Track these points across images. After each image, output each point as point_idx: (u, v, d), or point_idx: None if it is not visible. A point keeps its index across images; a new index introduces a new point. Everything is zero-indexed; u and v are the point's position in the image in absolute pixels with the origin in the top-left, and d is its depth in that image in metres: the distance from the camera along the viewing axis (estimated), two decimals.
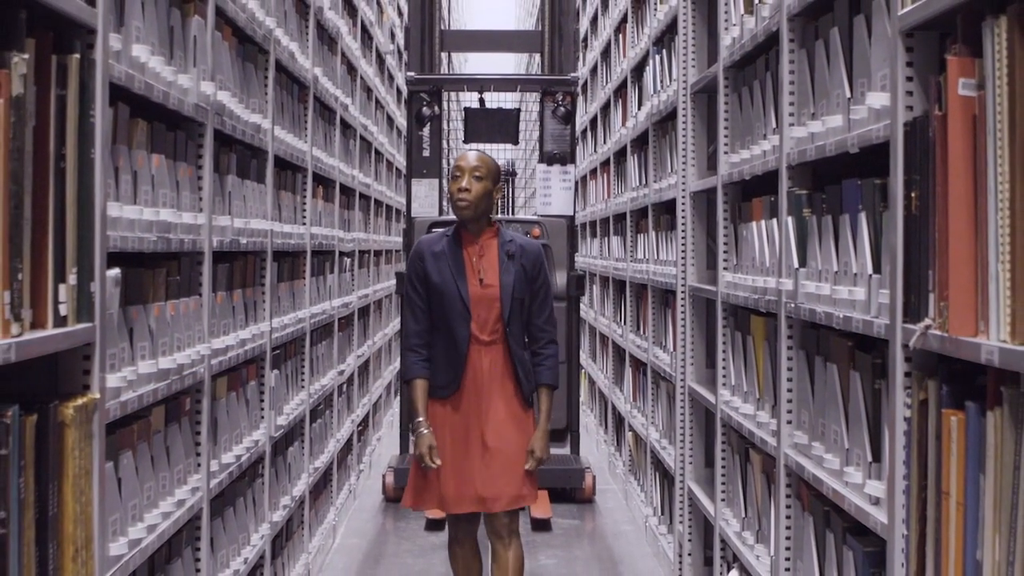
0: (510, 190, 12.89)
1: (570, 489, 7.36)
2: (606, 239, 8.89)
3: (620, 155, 8.02)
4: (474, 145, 7.68)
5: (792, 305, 3.35)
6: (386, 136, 9.95)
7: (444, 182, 8.05)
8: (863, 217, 2.81)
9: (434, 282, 4.32)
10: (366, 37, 8.40)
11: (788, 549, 3.49)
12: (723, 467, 4.47)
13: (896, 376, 2.48)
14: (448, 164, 10.20)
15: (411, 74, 7.50)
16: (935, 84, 2.29)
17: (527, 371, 4.37)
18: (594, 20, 9.81)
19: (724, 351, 4.44)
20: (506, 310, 4.31)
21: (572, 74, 7.57)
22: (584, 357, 10.37)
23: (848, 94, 2.96)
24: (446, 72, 9.77)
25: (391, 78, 10.51)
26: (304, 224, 5.50)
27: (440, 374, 4.34)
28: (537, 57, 8.93)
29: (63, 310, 2.32)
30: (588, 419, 10.16)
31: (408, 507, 4.50)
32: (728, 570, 4.31)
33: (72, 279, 2.37)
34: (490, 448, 4.30)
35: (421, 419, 4.31)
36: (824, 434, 3.17)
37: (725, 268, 4.36)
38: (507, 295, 4.31)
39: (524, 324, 4.39)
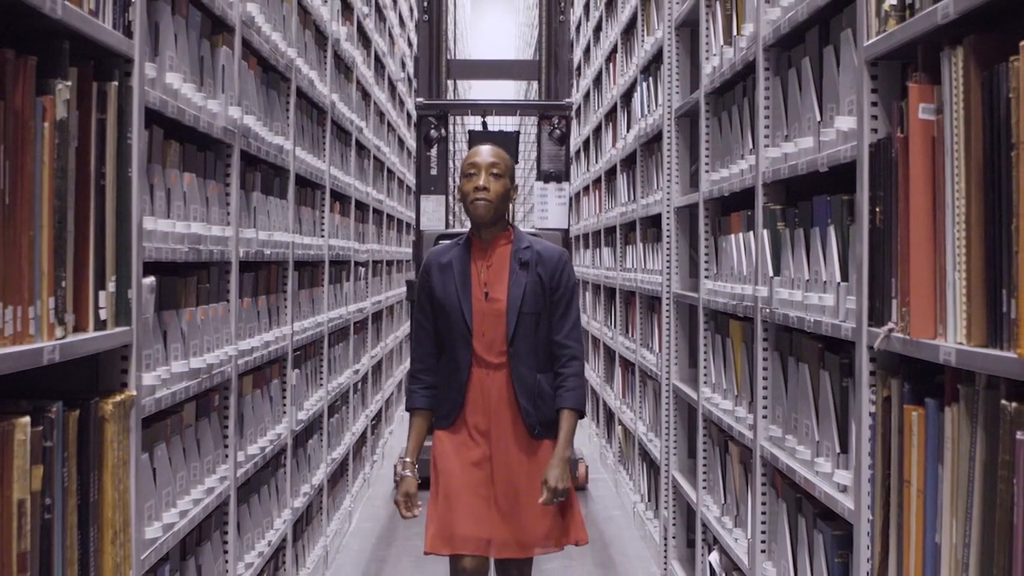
0: (510, 205, 12.87)
1: None
2: (598, 250, 8.88)
3: (611, 173, 8.02)
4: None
5: (767, 310, 3.35)
6: (397, 156, 9.95)
7: (450, 197, 8.03)
8: (832, 230, 2.81)
9: (438, 298, 3.51)
10: (379, 66, 8.40)
11: (764, 532, 3.49)
12: (704, 458, 4.46)
13: (862, 375, 2.48)
14: (454, 182, 10.17)
15: (420, 99, 7.50)
16: (897, 109, 2.30)
17: (533, 397, 3.47)
18: (587, 51, 9.81)
19: (705, 352, 4.43)
20: (510, 328, 3.45)
21: (567, 100, 7.57)
22: None
23: (818, 118, 2.96)
24: (452, 98, 9.78)
25: (402, 103, 10.51)
26: (322, 236, 5.49)
27: (443, 402, 3.53)
28: (535, 84, 8.93)
29: (103, 315, 2.32)
30: None
31: (432, 553, 3.49)
32: (709, 552, 4.30)
33: (111, 286, 2.37)
34: (499, 487, 3.46)
35: (407, 459, 3.51)
36: (796, 428, 3.16)
37: (706, 276, 4.36)
38: (512, 311, 3.45)
39: (542, 342, 3.48)
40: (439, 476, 3.52)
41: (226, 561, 3.58)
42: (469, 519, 3.44)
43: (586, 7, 9.86)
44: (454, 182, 8.59)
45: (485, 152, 3.53)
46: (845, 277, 2.73)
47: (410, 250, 10.44)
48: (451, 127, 8.22)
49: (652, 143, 6.09)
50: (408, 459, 3.51)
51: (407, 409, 3.59)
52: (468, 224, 3.61)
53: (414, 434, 3.55)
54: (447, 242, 3.65)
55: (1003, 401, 1.81)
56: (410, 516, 3.49)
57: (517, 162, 8.37)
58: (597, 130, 8.93)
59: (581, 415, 3.51)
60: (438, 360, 3.55)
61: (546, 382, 3.49)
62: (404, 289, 9.97)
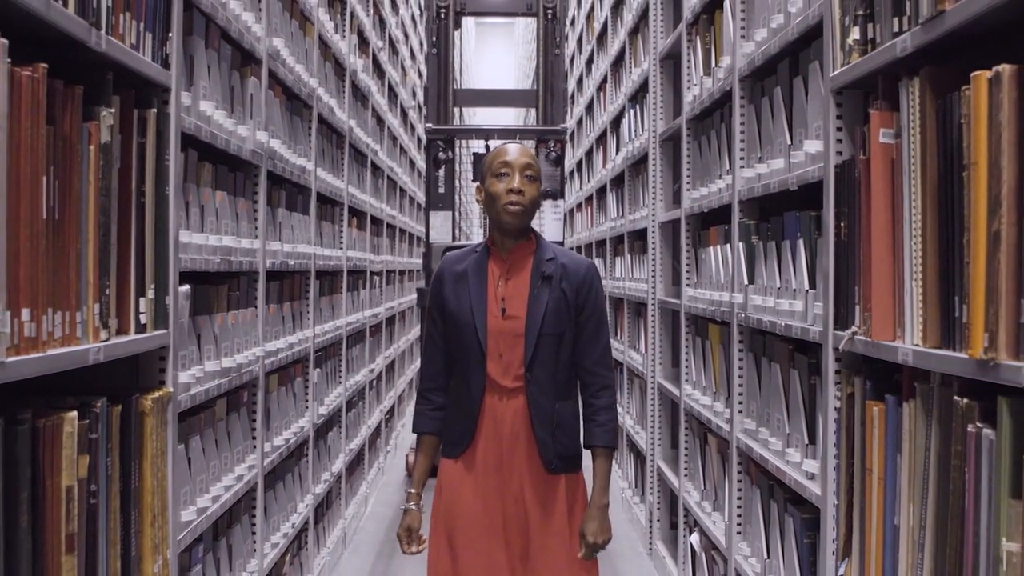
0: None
1: None
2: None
3: (601, 192, 8.02)
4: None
5: (742, 315, 3.35)
6: (408, 176, 9.95)
7: (456, 214, 8.02)
8: (801, 243, 2.81)
9: (450, 311, 2.78)
10: (392, 95, 8.41)
11: (739, 516, 3.48)
12: (686, 448, 4.46)
13: (828, 374, 2.48)
14: (460, 199, 10.08)
15: (429, 125, 7.50)
16: (860, 133, 2.30)
17: (551, 427, 2.72)
18: (580, 81, 9.82)
19: (686, 353, 4.43)
20: (528, 350, 2.70)
21: (562, 125, 7.57)
22: None
23: (788, 142, 2.97)
24: (458, 123, 9.77)
25: (412, 128, 10.52)
26: (341, 248, 5.49)
27: (452, 428, 2.81)
28: (533, 111, 8.93)
29: (143, 319, 2.32)
30: None
31: None
32: (690, 533, 4.30)
33: (150, 293, 2.37)
34: (511, 529, 2.75)
35: (412, 491, 2.81)
36: (769, 421, 3.16)
37: (687, 285, 4.36)
38: (532, 331, 2.71)
39: (563, 366, 2.74)
40: (443, 511, 2.83)
41: (254, 542, 3.58)
42: (475, 566, 2.75)
43: (579, 41, 9.88)
44: (460, 200, 8.56)
45: (517, 151, 2.76)
46: (813, 285, 2.73)
47: (420, 261, 10.46)
48: (457, 150, 8.22)
49: (639, 164, 6.09)
50: (413, 490, 2.82)
51: (415, 431, 2.90)
52: (472, 238, 3.04)
53: (420, 461, 2.88)
54: (462, 249, 2.90)
55: (955, 397, 1.81)
56: (411, 552, 2.82)
57: None
58: (589, 152, 8.93)
59: (613, 450, 2.77)
60: (449, 379, 2.85)
61: (566, 411, 2.76)
62: (415, 296, 9.96)
